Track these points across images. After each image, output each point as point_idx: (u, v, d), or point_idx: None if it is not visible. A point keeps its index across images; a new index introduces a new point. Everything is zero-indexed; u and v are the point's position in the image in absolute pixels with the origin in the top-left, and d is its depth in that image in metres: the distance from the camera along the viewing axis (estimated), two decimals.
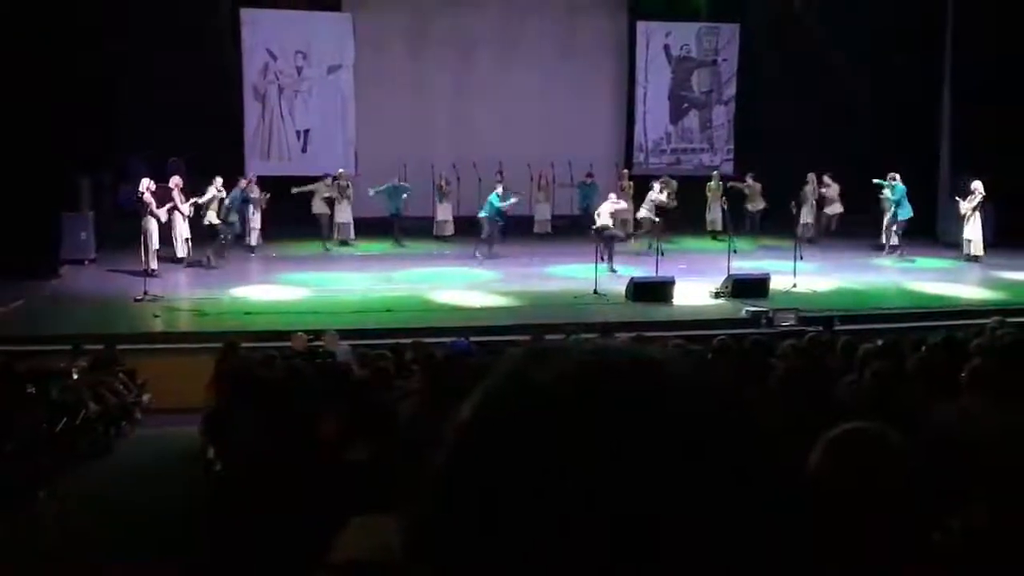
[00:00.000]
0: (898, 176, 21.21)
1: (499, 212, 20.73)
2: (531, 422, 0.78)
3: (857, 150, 23.13)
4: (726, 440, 0.79)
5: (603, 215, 19.06)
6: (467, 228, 21.95)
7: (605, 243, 18.84)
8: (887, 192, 21.28)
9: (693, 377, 0.82)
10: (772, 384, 6.95)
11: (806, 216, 22.50)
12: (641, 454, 0.75)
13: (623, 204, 20.63)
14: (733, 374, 7.65)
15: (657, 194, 21.13)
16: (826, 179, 22.67)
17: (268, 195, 21.22)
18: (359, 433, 5.16)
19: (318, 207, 21.85)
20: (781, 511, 0.79)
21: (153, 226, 18.27)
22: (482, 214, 20.74)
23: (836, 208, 22.90)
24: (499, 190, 20.76)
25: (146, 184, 18.48)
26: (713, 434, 0.78)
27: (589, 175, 23.95)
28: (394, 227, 22.50)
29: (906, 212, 21.22)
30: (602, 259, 18.26)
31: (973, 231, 20.68)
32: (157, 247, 18.37)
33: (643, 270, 18.40)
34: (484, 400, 0.82)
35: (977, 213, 20.57)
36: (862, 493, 2.07)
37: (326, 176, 22.08)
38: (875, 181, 21.47)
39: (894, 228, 21.34)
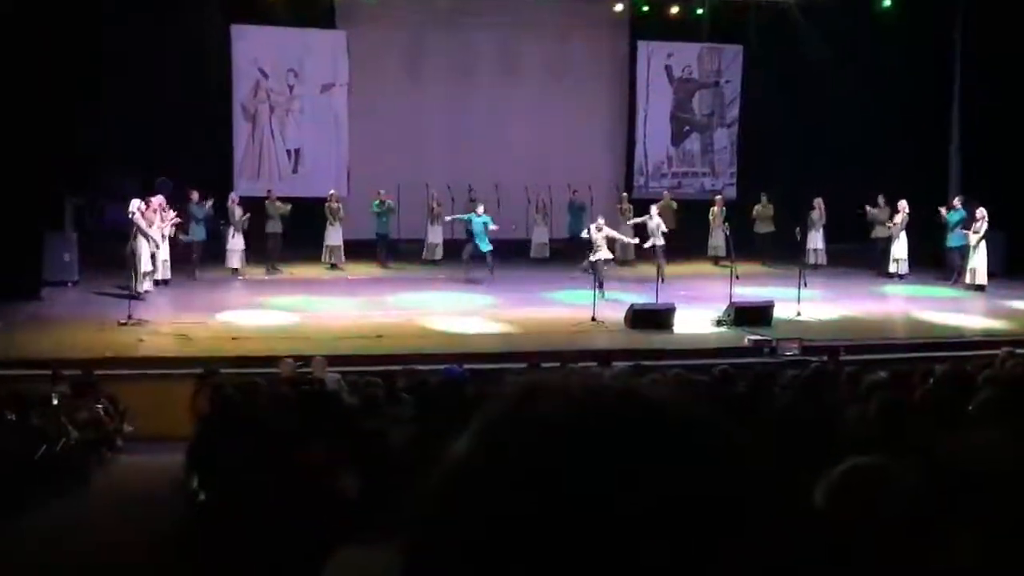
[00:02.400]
0: (958, 201, 21.14)
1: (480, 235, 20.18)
2: (531, 456, 0.79)
3: (864, 175, 22.75)
4: (719, 474, 0.79)
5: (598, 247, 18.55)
6: (458, 252, 21.44)
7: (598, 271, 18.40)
8: (946, 215, 21.12)
9: (688, 414, 0.83)
10: (775, 416, 6.79)
11: (814, 242, 22.19)
12: (640, 488, 0.76)
13: (606, 230, 19.36)
14: (731, 407, 7.44)
15: (653, 220, 20.44)
16: (880, 200, 22.19)
17: (248, 215, 20.75)
18: (348, 462, 5.18)
19: (270, 226, 21.25)
20: (775, 545, 0.79)
21: (143, 248, 17.97)
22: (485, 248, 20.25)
23: (884, 232, 22.15)
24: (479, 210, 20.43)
25: (136, 204, 18.24)
26: (705, 468, 0.79)
27: (574, 191, 23.46)
28: (378, 249, 22.13)
29: (953, 240, 20.98)
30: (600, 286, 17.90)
31: (978, 260, 20.37)
32: (148, 269, 18.14)
33: (643, 296, 17.98)
34: (483, 432, 0.83)
35: (983, 242, 20.27)
36: (868, 527, 2.08)
37: (270, 194, 21.68)
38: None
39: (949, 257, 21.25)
